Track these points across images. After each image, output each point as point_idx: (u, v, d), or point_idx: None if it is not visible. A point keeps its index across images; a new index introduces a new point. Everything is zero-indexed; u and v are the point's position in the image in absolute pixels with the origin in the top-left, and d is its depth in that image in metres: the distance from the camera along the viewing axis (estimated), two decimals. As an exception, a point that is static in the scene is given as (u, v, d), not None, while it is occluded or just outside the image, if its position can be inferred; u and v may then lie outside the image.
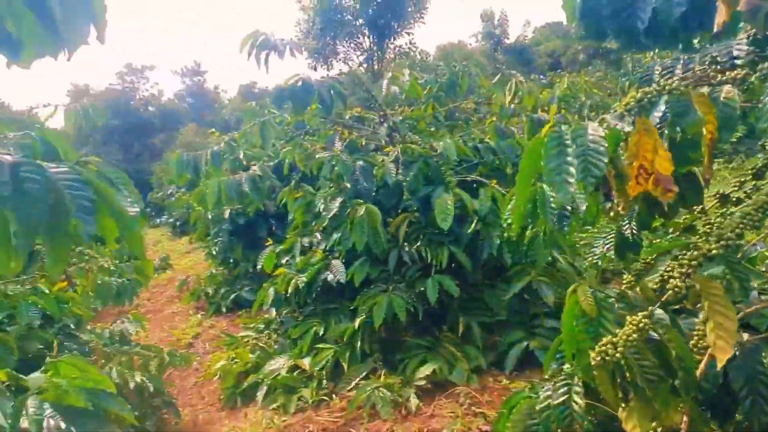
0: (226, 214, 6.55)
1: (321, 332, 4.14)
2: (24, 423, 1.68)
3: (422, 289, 3.77)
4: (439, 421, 3.13)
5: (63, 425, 1.62)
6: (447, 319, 3.98)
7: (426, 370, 3.49)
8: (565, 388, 2.13)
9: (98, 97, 32.48)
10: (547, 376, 2.64)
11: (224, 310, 6.59)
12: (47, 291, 3.69)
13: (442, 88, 5.18)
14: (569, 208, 1.81)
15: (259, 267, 5.09)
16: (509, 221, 2.67)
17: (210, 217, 6.84)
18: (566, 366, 2.29)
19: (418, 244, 3.95)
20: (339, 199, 4.05)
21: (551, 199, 1.83)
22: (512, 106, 5.11)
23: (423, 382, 3.45)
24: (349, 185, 4.01)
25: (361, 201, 4.03)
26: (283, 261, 4.90)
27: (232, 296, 6.62)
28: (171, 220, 18.79)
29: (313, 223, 5.08)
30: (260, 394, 3.91)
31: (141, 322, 4.89)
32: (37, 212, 1.06)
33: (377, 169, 4.24)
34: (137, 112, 30.87)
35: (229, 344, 5.08)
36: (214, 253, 7.51)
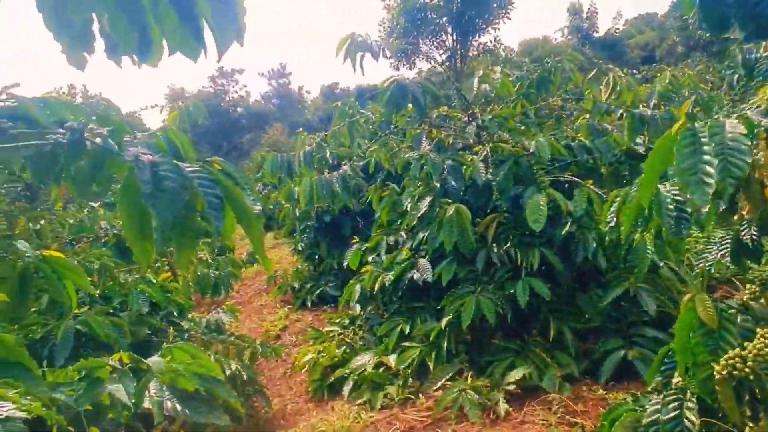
0: (314, 212, 6.74)
1: (407, 330, 4.15)
2: (145, 403, 1.80)
3: (511, 291, 3.68)
4: (531, 428, 3.04)
5: (179, 407, 1.72)
6: (537, 323, 3.86)
7: (516, 374, 3.40)
8: (677, 403, 2.00)
9: (192, 99, 34.60)
10: (650, 389, 2.49)
11: (309, 304, 6.79)
12: (154, 281, 3.96)
13: (533, 85, 5.03)
14: (689, 210, 1.69)
15: (345, 264, 5.19)
16: (611, 224, 2.55)
17: (297, 214, 7.07)
18: (676, 379, 2.15)
19: (508, 245, 3.86)
20: (428, 199, 4.04)
21: (668, 200, 1.72)
22: (607, 102, 4.87)
23: (512, 387, 3.36)
24: (437, 184, 3.99)
25: (450, 200, 4.00)
26: (369, 259, 4.96)
27: (318, 291, 6.81)
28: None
29: (399, 222, 5.12)
30: (347, 389, 3.98)
31: (234, 313, 5.15)
32: (175, 208, 1.13)
33: (466, 169, 4.19)
34: (227, 114, 32.51)
35: (315, 338, 5.21)
36: (300, 249, 7.76)
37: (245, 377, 3.91)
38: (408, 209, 4.56)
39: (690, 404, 1.95)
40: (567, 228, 3.72)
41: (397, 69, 21.60)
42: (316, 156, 4.82)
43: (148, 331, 3.76)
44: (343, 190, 4.19)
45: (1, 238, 2.31)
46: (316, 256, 7.41)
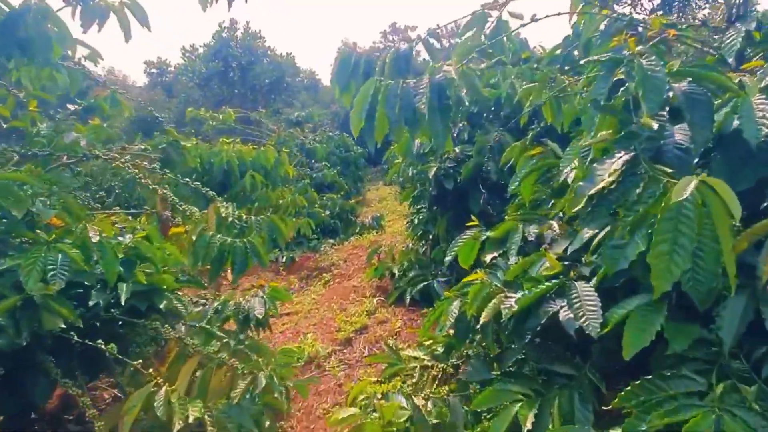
0: (432, 171, 4.75)
1: (529, 422, 2.04)
2: None
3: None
4: None
5: None
6: None
7: None
8: None
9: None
10: None
11: (407, 299, 4.88)
12: (99, 236, 2.33)
13: None
14: None
15: (448, 258, 3.15)
16: None
17: (411, 173, 5.13)
18: None
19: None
20: (622, 156, 1.78)
21: None
22: None
23: None
24: (654, 126, 1.74)
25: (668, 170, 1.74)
26: (488, 257, 2.91)
27: (421, 285, 4.86)
28: (401, 179, 18.07)
29: (551, 203, 3.00)
30: None
31: (278, 297, 3.48)
32: None
33: (720, 111, 1.87)
34: (393, 71, 31.32)
35: (390, 365, 3.33)
36: (415, 222, 5.86)
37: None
38: (569, 180, 2.39)
39: None
40: None
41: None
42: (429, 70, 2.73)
43: (63, 326, 2.17)
44: (435, 113, 2.05)
45: None
46: (430, 236, 5.46)
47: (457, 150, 4.80)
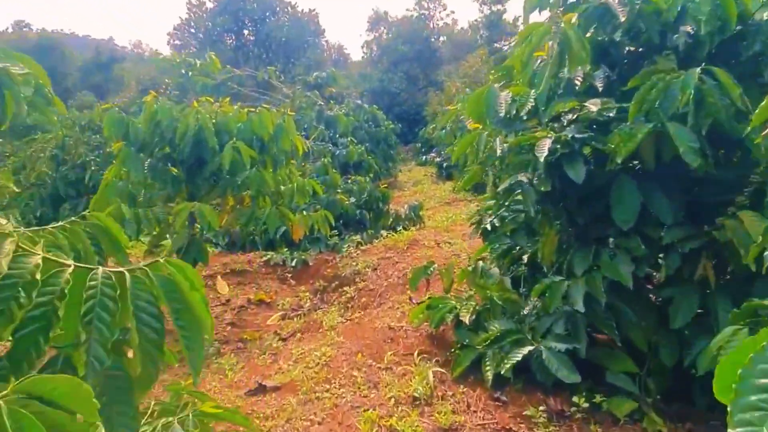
0: (543, 148, 2.51)
1: None
2: None
3: None
4: None
5: None
6: None
7: None
8: None
9: (394, 24, 31.36)
10: None
11: (489, 375, 2.71)
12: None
13: None
14: None
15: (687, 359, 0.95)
16: None
17: (498, 146, 2.87)
18: None
19: None
20: None
21: None
22: None
23: None
24: None
25: None
26: None
27: (519, 356, 2.67)
28: (438, 159, 15.68)
29: None
30: None
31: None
32: None
33: None
34: (427, 41, 28.73)
35: None
36: (488, 227, 3.65)
37: None
38: None
39: None
40: None
41: None
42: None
43: None
44: None
45: None
46: (524, 257, 3.24)
47: (593, 108, 2.57)
